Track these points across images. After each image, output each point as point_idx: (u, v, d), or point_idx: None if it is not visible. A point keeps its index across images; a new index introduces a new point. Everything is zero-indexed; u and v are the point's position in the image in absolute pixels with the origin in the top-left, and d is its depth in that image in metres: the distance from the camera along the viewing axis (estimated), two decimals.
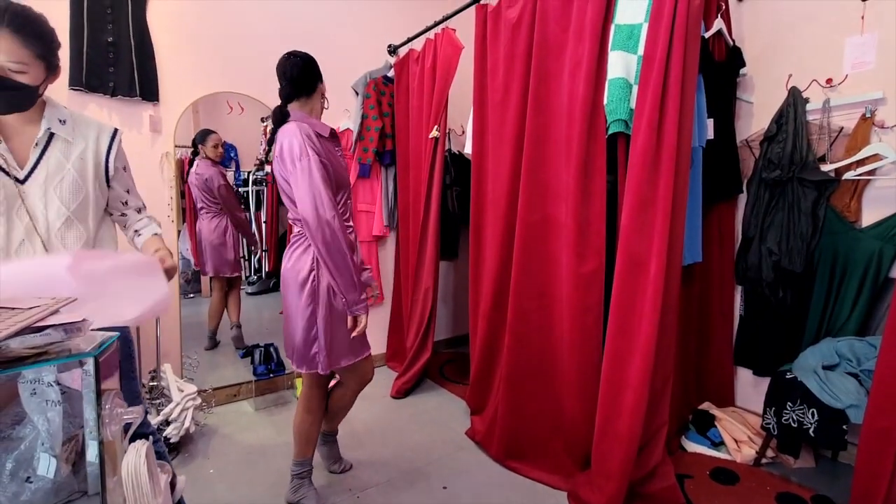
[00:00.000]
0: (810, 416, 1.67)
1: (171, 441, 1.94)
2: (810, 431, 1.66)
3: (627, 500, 1.65)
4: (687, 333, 2.19)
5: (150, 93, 2.24)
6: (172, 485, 0.88)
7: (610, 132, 1.68)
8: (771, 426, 1.81)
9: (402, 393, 2.65)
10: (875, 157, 1.81)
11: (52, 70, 1.08)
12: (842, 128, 1.92)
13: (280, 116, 1.51)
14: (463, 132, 3.10)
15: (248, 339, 2.78)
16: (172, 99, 2.33)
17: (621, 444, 1.60)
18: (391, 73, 2.92)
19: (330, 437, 1.88)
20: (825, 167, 1.91)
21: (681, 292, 1.82)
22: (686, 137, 1.62)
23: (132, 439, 0.70)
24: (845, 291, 1.88)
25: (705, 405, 2.22)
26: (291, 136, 1.41)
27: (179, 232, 2.45)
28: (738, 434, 2.02)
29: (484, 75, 2.12)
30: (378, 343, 3.05)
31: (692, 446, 2.04)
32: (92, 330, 0.64)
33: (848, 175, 1.86)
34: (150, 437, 0.80)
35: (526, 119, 1.88)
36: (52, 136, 1.12)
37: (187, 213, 2.57)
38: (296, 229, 1.54)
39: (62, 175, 1.11)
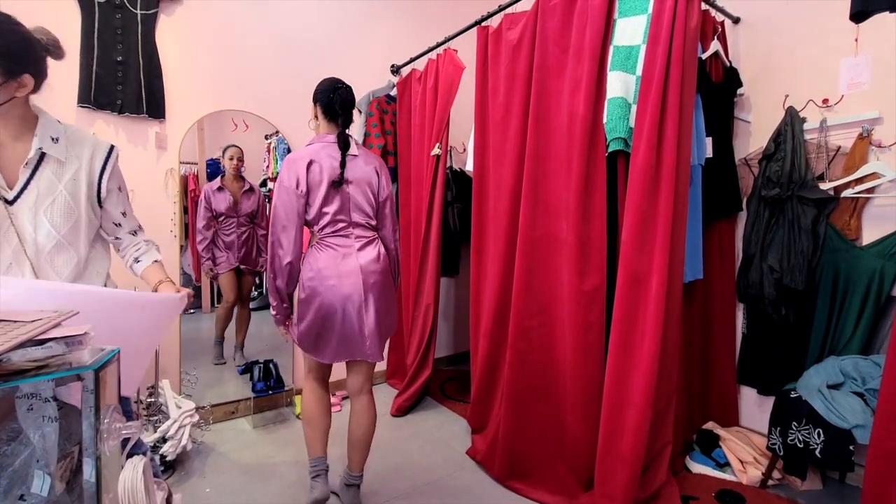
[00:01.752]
0: (816, 437, 1.64)
1: (168, 459, 1.91)
2: (816, 452, 1.64)
3: None
4: (689, 351, 2.17)
5: (156, 110, 2.28)
6: (168, 503, 0.87)
7: (610, 150, 1.70)
8: (776, 447, 1.78)
9: (402, 411, 2.62)
10: (873, 176, 1.82)
11: (10, 75, 0.98)
12: (839, 147, 1.94)
13: (348, 142, 1.63)
14: (464, 150, 3.14)
15: (248, 354, 2.76)
16: (178, 116, 2.36)
17: (625, 465, 1.58)
18: (394, 92, 2.97)
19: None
20: (824, 185, 1.93)
21: (683, 309, 1.82)
22: (685, 155, 1.64)
23: (128, 456, 0.70)
24: (848, 309, 1.87)
25: (709, 425, 2.19)
26: (383, 165, 1.73)
27: (182, 247, 2.46)
28: (744, 455, 1.99)
29: (485, 94, 2.16)
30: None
31: (697, 467, 2.01)
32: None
33: (847, 193, 1.87)
34: (148, 454, 0.79)
35: (527, 137, 1.90)
36: (43, 155, 1.05)
37: (190, 228, 2.58)
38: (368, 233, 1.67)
39: (53, 197, 1.06)
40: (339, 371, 1.94)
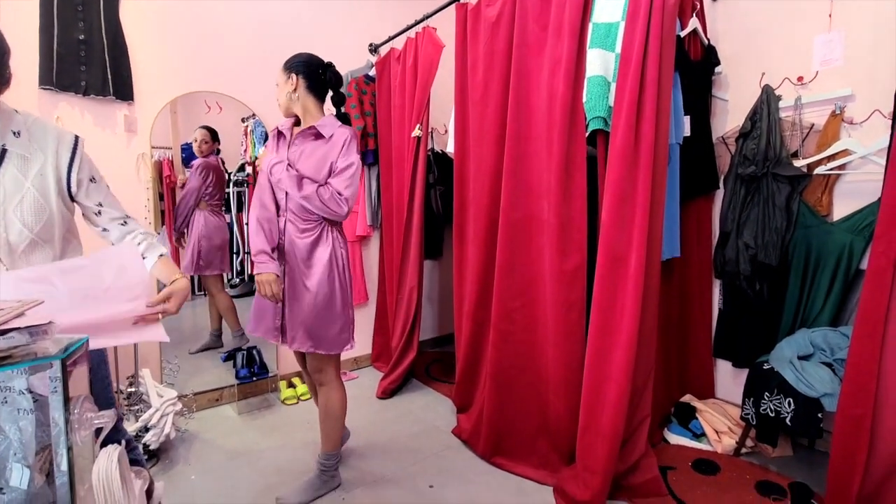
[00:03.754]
0: (787, 406, 1.71)
1: (151, 448, 1.89)
2: (787, 420, 1.70)
3: (612, 494, 1.67)
4: (668, 327, 2.22)
5: (124, 92, 2.19)
6: (149, 492, 0.86)
7: (590, 129, 1.69)
8: (750, 416, 1.85)
9: (388, 393, 2.64)
10: (845, 153, 1.86)
11: (4, 83, 0.98)
12: (813, 124, 1.97)
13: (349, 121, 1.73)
14: (445, 131, 3.10)
15: (231, 342, 2.72)
16: (148, 98, 2.28)
17: (605, 439, 1.62)
18: (373, 72, 2.91)
19: None
20: (798, 163, 1.96)
21: (661, 287, 1.85)
22: (663, 134, 1.64)
23: (103, 445, 0.69)
24: (819, 283, 1.93)
25: (687, 397, 2.26)
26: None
27: (158, 235, 2.40)
28: (719, 425, 2.06)
29: (465, 74, 2.12)
30: (363, 343, 3.03)
31: (674, 438, 2.07)
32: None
33: (819, 170, 1.91)
34: (123, 443, 0.78)
35: (507, 117, 1.89)
36: (5, 151, 1.00)
37: (166, 214, 2.51)
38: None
39: (21, 195, 1.01)
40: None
